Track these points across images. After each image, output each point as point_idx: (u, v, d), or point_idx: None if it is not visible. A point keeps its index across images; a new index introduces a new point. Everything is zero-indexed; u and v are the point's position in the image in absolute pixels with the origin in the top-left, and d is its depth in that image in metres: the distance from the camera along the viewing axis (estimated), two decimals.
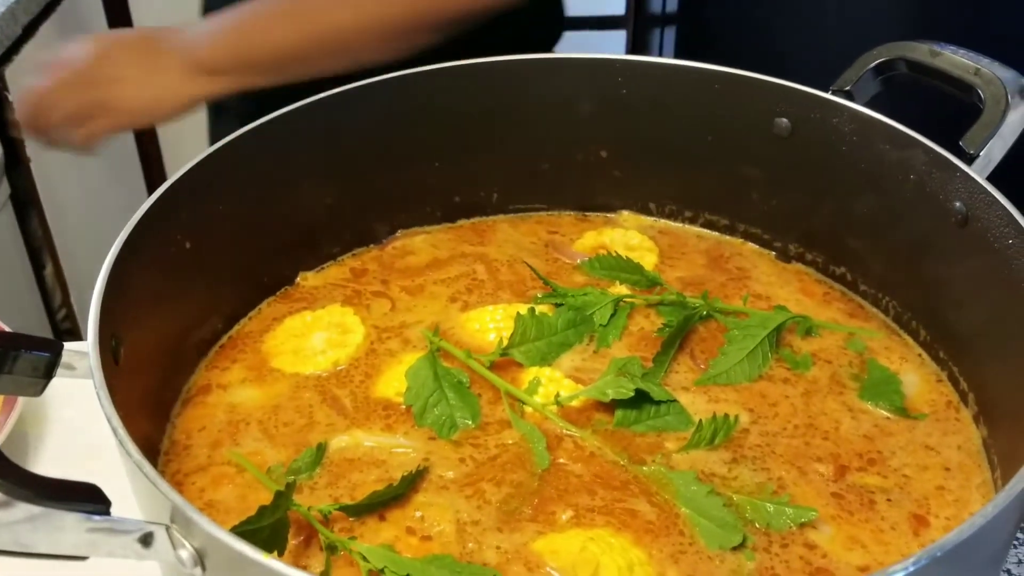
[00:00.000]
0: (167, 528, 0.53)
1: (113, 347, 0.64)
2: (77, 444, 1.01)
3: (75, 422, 1.04)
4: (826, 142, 0.88)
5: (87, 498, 0.53)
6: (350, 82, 0.89)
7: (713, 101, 0.93)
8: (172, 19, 1.24)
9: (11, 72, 1.86)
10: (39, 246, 2.03)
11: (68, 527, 0.52)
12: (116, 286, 0.66)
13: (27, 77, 1.20)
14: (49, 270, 2.06)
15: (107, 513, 0.53)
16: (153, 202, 0.73)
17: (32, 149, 2.14)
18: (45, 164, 2.14)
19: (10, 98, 1.79)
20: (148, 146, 2.52)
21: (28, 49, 1.91)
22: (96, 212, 2.22)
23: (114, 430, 0.55)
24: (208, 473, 0.74)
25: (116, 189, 2.42)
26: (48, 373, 0.60)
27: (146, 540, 0.53)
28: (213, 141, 0.83)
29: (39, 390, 0.60)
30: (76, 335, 2.20)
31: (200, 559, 0.53)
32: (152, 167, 2.55)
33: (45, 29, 1.99)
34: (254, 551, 0.49)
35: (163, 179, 0.76)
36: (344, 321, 0.89)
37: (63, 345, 0.61)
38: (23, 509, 0.50)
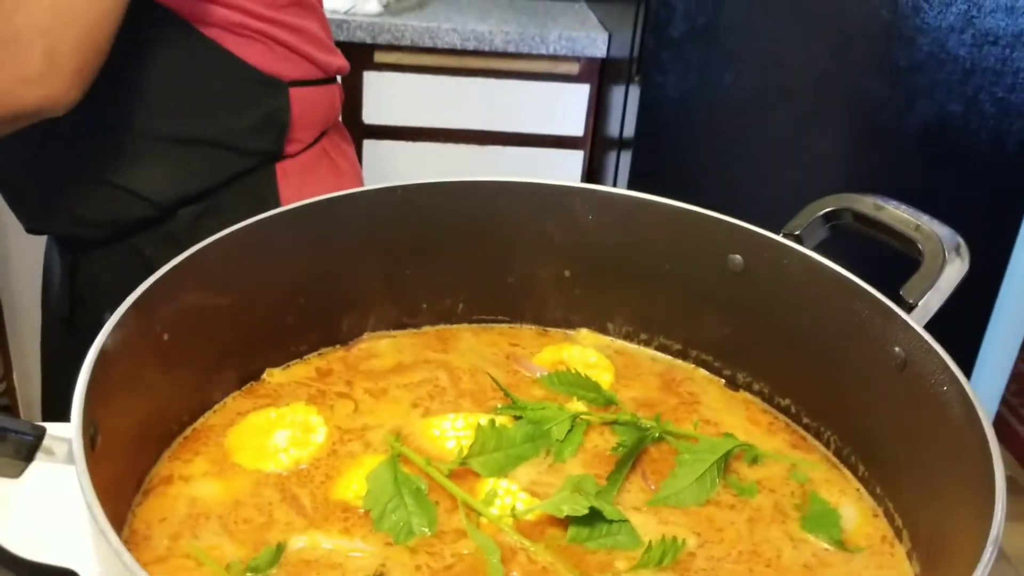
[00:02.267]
0: None
1: (92, 434, 0.65)
2: (31, 527, 0.99)
3: (22, 504, 1.02)
4: (776, 281, 0.94)
5: None
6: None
7: (672, 234, 0.99)
8: None
9: None
10: None
11: None
12: (99, 371, 0.68)
13: None
14: None
15: None
16: (140, 295, 0.75)
17: None
18: None
19: None
20: None
21: None
22: None
23: (94, 518, 0.56)
24: (167, 564, 0.74)
25: None
26: (29, 456, 0.61)
27: None
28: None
29: (18, 472, 0.61)
30: (13, 411, 2.15)
31: None
32: None
33: None
34: None
35: None
36: (307, 420, 0.90)
37: (45, 429, 0.63)
38: None
